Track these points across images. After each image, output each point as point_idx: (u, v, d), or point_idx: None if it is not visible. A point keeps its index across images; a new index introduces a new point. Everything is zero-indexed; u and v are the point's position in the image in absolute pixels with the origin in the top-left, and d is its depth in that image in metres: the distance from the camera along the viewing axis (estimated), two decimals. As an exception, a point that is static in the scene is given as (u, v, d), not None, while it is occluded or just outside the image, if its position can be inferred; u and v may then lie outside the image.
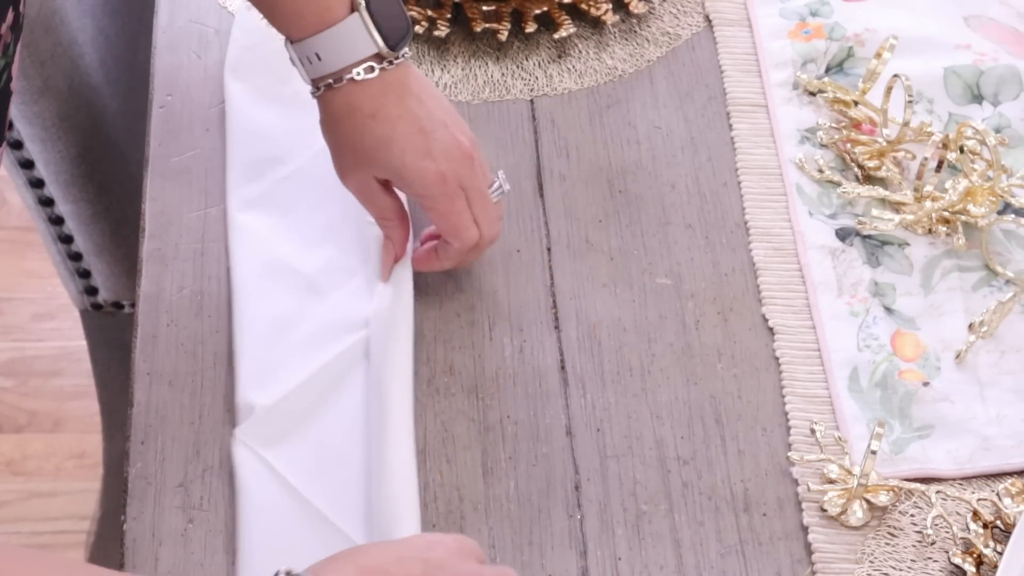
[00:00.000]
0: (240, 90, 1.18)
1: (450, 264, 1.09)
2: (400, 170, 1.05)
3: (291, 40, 1.06)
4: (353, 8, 1.04)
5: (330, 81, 1.05)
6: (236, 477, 1.00)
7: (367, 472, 1.00)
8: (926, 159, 1.14)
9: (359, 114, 1.05)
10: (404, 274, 1.09)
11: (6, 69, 0.95)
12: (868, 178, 1.17)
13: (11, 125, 1.34)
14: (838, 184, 1.16)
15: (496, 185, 1.08)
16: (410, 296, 1.08)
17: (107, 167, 1.42)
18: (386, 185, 1.08)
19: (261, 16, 1.11)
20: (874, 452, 0.98)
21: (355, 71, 1.05)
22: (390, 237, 1.09)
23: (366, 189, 1.08)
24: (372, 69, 1.05)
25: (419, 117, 1.05)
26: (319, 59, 1.05)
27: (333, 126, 1.07)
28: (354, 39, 1.05)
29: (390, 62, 1.05)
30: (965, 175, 1.14)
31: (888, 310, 1.10)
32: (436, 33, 1.23)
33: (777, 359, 1.08)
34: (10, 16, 0.93)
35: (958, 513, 1.01)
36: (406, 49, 1.06)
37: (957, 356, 1.08)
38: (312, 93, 1.07)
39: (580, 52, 1.24)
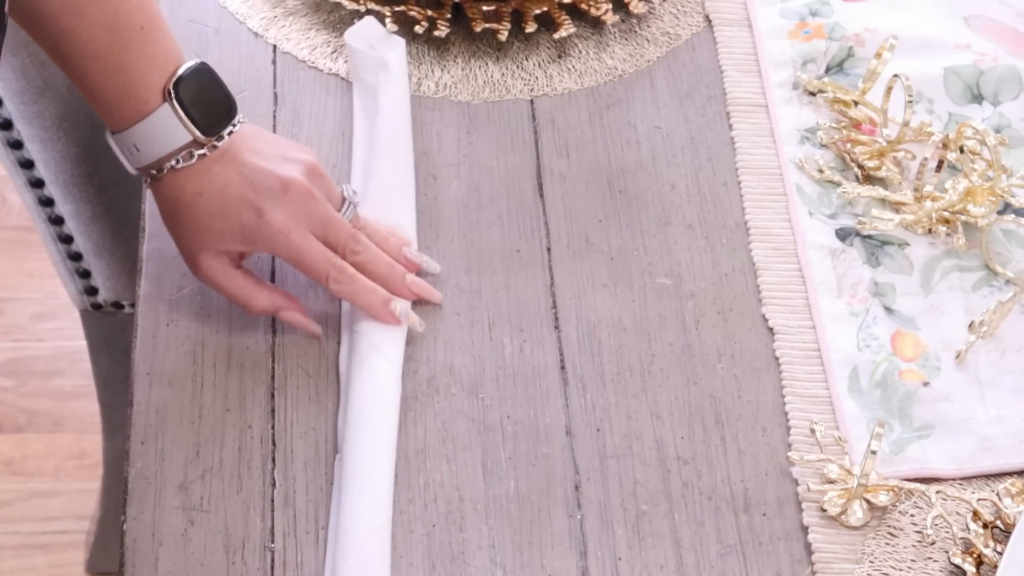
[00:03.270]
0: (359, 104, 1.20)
1: (390, 310, 1.06)
2: (243, 234, 1.04)
3: (111, 132, 1.05)
4: (165, 98, 1.04)
5: (154, 172, 1.05)
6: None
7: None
8: (926, 159, 1.14)
9: (187, 195, 1.04)
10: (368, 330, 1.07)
11: None
12: (868, 178, 1.17)
13: (11, 125, 1.34)
14: (838, 184, 1.16)
15: (347, 204, 1.07)
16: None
17: (107, 167, 1.42)
18: (238, 263, 1.06)
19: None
20: (874, 452, 0.98)
21: (172, 160, 1.04)
22: (282, 318, 1.07)
23: (217, 270, 1.05)
24: (191, 155, 1.04)
25: (247, 176, 1.04)
26: (138, 151, 1.05)
27: (168, 213, 1.06)
28: (168, 130, 1.04)
29: (214, 146, 1.04)
30: (965, 175, 1.14)
31: (888, 310, 1.10)
32: (436, 33, 1.23)
33: (777, 359, 1.08)
34: None
35: (958, 513, 1.01)
36: (232, 126, 1.05)
37: (957, 356, 1.08)
38: (144, 183, 1.07)
39: (580, 52, 1.24)
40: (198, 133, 1.04)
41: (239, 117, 1.06)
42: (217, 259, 1.05)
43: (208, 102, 1.05)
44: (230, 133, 1.05)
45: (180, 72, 1.04)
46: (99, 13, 1.03)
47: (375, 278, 1.06)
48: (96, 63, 1.03)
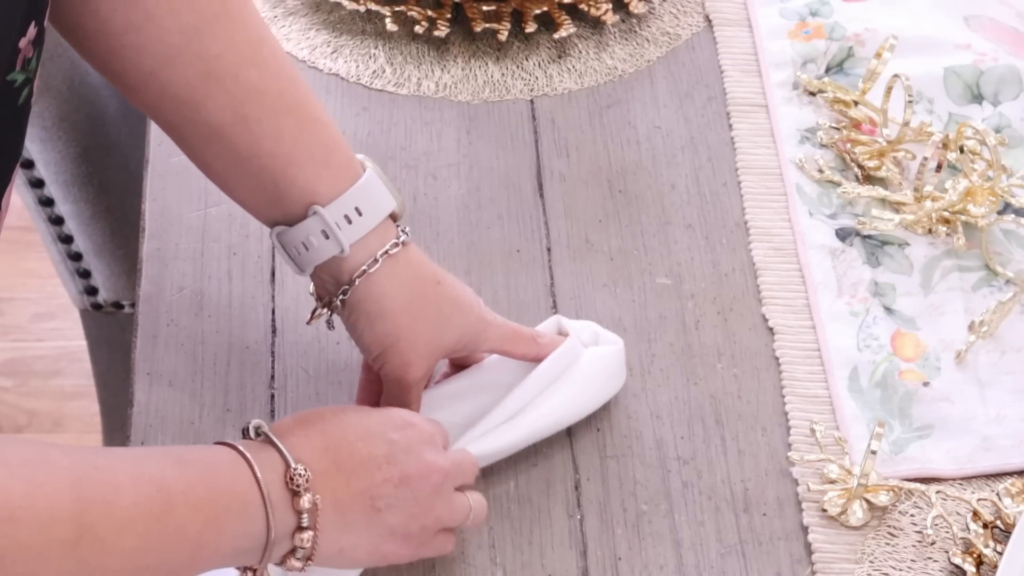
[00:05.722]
0: None
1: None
2: (477, 325, 0.99)
3: (321, 203, 0.94)
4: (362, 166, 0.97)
5: (387, 248, 0.96)
6: None
7: None
8: (926, 159, 1.14)
9: (428, 281, 0.97)
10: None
11: (27, 84, 0.90)
12: (868, 178, 1.17)
13: (11, 125, 1.34)
14: (838, 184, 1.16)
15: None
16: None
17: (107, 167, 1.42)
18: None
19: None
20: (874, 452, 0.98)
21: (400, 234, 0.97)
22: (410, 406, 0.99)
23: (430, 371, 0.98)
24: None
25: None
26: (360, 215, 0.94)
27: (393, 308, 0.96)
28: (382, 193, 0.96)
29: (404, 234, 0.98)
30: (965, 175, 1.14)
31: (888, 310, 1.10)
32: (436, 33, 1.23)
33: (777, 359, 1.08)
34: (32, 30, 0.88)
35: (958, 513, 1.01)
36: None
37: (957, 356, 1.08)
38: (346, 286, 0.96)
39: (580, 52, 1.24)
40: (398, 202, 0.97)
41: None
42: (434, 363, 0.99)
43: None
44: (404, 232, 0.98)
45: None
46: (277, 65, 0.95)
47: None
48: (292, 117, 0.95)
